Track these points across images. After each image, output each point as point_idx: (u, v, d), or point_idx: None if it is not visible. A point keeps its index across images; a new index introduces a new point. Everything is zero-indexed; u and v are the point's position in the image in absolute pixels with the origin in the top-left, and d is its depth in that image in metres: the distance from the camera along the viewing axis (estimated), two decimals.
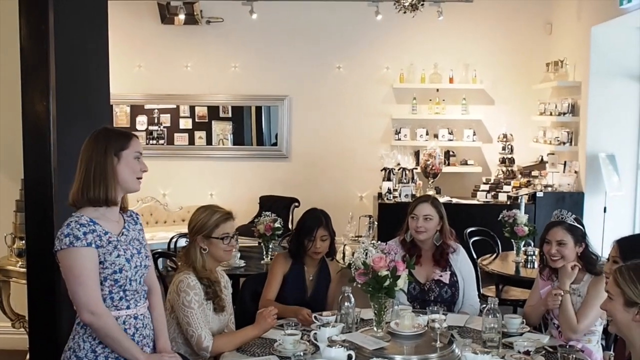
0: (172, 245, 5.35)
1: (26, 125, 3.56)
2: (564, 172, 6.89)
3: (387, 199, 7.01)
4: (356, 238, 6.22)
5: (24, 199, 3.64)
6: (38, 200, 3.51)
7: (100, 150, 2.48)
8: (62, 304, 3.33)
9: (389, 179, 7.18)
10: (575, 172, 6.81)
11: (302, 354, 2.62)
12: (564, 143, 6.93)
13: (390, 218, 6.50)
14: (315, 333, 2.92)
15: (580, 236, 3.28)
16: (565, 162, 6.96)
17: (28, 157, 3.55)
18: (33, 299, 3.57)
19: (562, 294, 3.16)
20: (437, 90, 7.95)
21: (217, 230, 3.08)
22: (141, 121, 8.27)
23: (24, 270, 3.94)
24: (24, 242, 4.29)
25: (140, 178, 2.58)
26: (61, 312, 3.41)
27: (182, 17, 7.72)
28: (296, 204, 7.56)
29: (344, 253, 5.36)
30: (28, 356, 4.06)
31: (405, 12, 5.63)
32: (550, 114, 7.22)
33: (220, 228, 3.08)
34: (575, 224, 3.31)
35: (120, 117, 8.23)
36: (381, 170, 7.30)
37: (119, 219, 2.59)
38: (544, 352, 2.88)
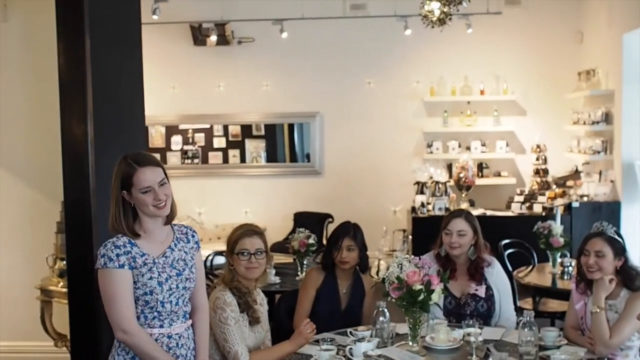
0: (208, 264, 5.40)
1: (65, 149, 3.65)
2: (599, 181, 6.79)
3: (421, 212, 6.99)
4: (390, 252, 6.21)
5: (65, 221, 3.73)
6: (78, 222, 3.59)
7: (116, 184, 2.53)
8: (102, 323, 3.39)
9: (422, 193, 7.16)
10: (611, 181, 6.70)
11: None
12: (599, 152, 6.84)
13: (425, 232, 6.47)
14: (351, 348, 2.94)
15: (619, 249, 3.20)
16: (600, 171, 6.86)
17: (68, 179, 3.64)
18: (74, 318, 3.65)
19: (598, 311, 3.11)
20: (468, 102, 7.94)
21: (237, 246, 3.12)
22: (176, 141, 8.41)
23: (65, 290, 4.02)
24: (64, 262, 4.39)
25: (160, 205, 2.52)
26: (102, 331, 3.48)
27: (213, 38, 7.85)
28: (330, 219, 7.58)
29: (378, 267, 5.37)
30: None
31: (433, 27, 5.64)
32: (584, 123, 7.14)
33: (239, 244, 3.11)
34: (616, 236, 3.24)
35: (156, 138, 8.38)
36: (414, 184, 7.29)
37: (165, 239, 2.61)
38: None
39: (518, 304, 4.81)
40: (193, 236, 2.72)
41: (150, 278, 2.51)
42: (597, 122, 6.87)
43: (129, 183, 2.50)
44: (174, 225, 2.68)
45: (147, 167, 2.52)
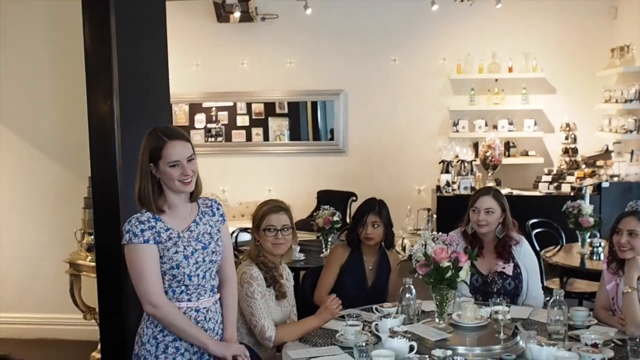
0: (232, 240, 5.41)
1: (92, 126, 3.68)
2: (631, 161, 6.67)
3: (446, 191, 6.94)
4: (415, 231, 6.18)
5: (92, 197, 3.77)
6: (105, 198, 3.63)
7: (144, 156, 2.52)
8: (129, 296, 3.42)
9: (447, 172, 7.10)
10: None
11: (364, 344, 2.62)
12: (631, 131, 6.69)
13: (449, 211, 6.43)
14: (377, 324, 2.93)
15: None
16: (632, 150, 6.72)
17: (94, 156, 3.67)
18: (102, 291, 3.70)
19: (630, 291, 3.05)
20: (496, 80, 7.81)
21: (264, 222, 3.12)
22: (199, 119, 8.42)
23: (94, 264, 4.07)
24: (92, 237, 4.45)
25: (186, 181, 2.51)
26: (129, 304, 3.52)
27: (237, 14, 7.80)
28: (354, 198, 7.55)
29: (403, 246, 5.34)
30: (99, 346, 4.20)
31: (462, 1, 5.54)
32: (616, 102, 6.99)
33: (266, 220, 3.12)
34: None
35: (180, 116, 8.40)
36: (439, 163, 7.23)
37: (189, 214, 2.61)
38: (612, 345, 2.80)
39: (545, 283, 4.76)
40: (218, 209, 2.71)
41: (176, 252, 2.51)
42: (630, 100, 6.72)
43: (158, 156, 2.50)
44: (199, 198, 2.68)
45: (177, 141, 2.52)
